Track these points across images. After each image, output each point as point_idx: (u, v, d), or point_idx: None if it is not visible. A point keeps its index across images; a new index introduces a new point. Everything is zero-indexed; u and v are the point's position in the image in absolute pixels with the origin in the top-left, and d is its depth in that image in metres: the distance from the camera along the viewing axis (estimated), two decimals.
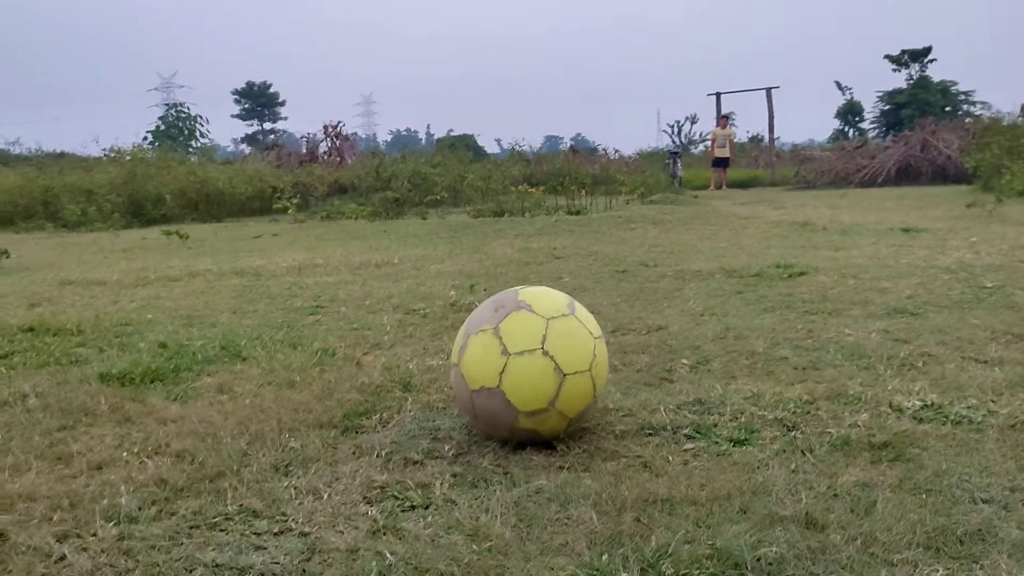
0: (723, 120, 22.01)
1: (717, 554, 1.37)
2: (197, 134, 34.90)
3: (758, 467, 1.79)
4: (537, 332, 1.97)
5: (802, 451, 1.89)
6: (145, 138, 29.47)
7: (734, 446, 1.95)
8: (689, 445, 1.97)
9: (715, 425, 2.09)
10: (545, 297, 2.12)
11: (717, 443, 1.97)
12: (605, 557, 1.39)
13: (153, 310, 4.43)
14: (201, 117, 34.79)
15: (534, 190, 12.34)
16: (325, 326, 3.79)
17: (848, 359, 2.74)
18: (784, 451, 1.90)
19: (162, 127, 33.97)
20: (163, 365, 3.00)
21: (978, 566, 1.31)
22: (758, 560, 1.35)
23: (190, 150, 28.92)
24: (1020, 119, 15.22)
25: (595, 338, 2.10)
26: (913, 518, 1.48)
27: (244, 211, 15.35)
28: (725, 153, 20.42)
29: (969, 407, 2.14)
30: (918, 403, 2.18)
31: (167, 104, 37.01)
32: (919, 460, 1.79)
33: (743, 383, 2.47)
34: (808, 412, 2.16)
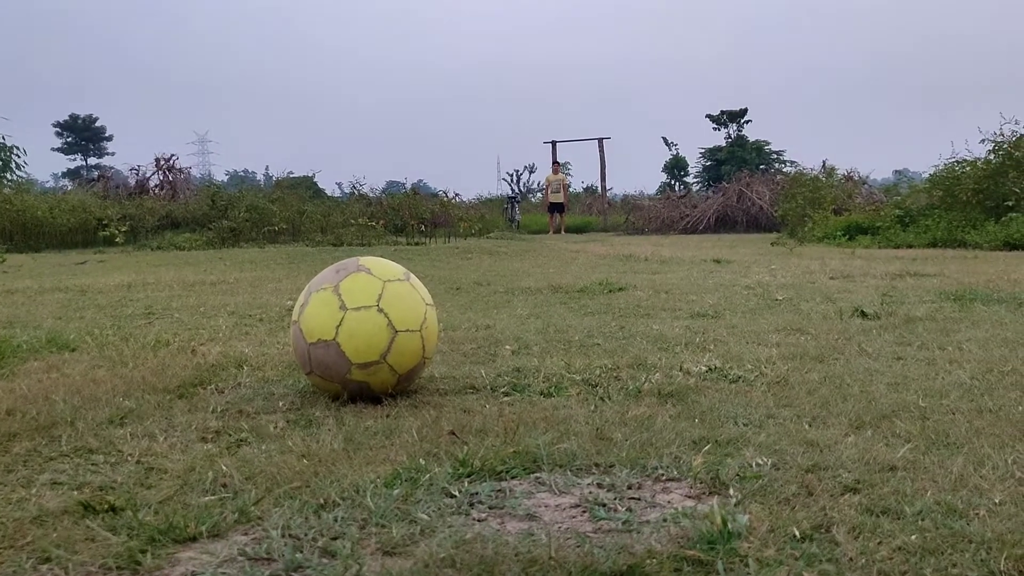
0: (556, 166, 22.91)
1: (519, 453, 1.59)
2: (13, 166, 32.69)
3: (562, 408, 2.03)
4: (374, 291, 2.16)
5: (601, 398, 2.15)
6: None
7: (544, 397, 2.19)
8: (505, 399, 2.19)
9: (529, 385, 2.32)
10: (383, 264, 2.32)
11: (529, 396, 2.20)
12: (422, 460, 1.58)
13: None
14: (18, 148, 32.64)
15: (375, 225, 12.47)
16: (159, 326, 3.80)
17: (652, 343, 3.05)
18: (587, 399, 2.15)
19: None
20: None
21: (729, 457, 1.58)
22: (553, 456, 1.58)
23: (6, 183, 27.02)
24: (821, 173, 16.69)
25: (426, 304, 2.30)
26: (684, 432, 1.75)
27: (65, 243, 14.63)
28: (559, 198, 21.20)
29: (745, 371, 2.47)
30: (704, 368, 2.50)
31: None
32: (698, 402, 2.08)
33: (558, 359, 2.73)
34: (611, 375, 2.44)
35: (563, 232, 20.32)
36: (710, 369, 2.49)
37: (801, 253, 9.06)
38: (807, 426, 1.83)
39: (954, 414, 1.92)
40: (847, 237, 11.68)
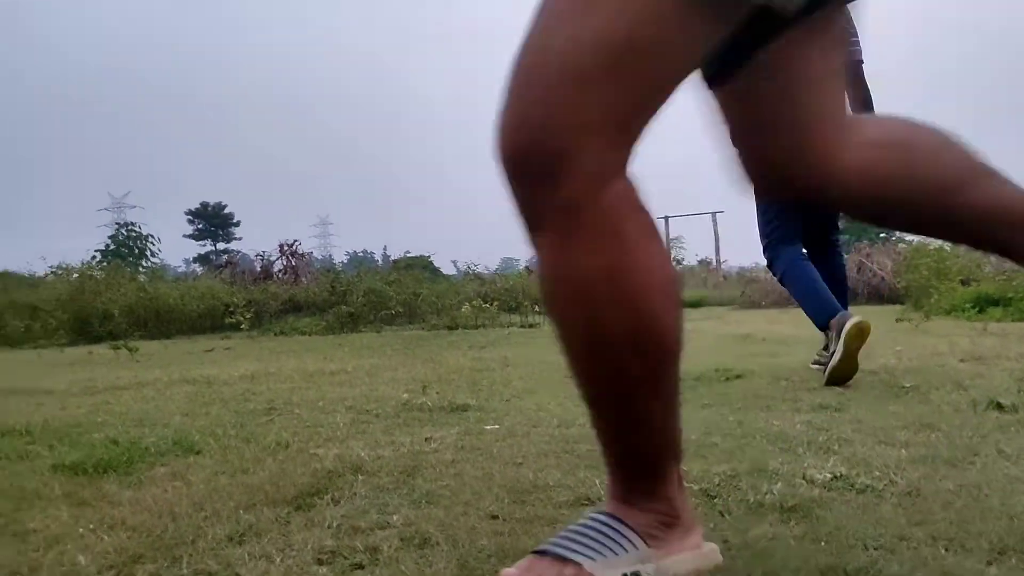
0: None
1: None
2: (148, 253, 34.71)
3: None
4: None
5: (720, 513, 2.07)
6: (94, 257, 29.28)
7: None
8: None
9: None
10: None
11: None
12: None
13: (103, 414, 4.48)
14: (152, 236, 34.71)
15: (489, 306, 12.61)
16: (279, 424, 3.90)
17: (772, 443, 2.94)
18: (705, 514, 2.07)
19: (112, 246, 33.81)
20: (116, 457, 3.08)
21: None
22: None
23: (141, 269, 28.68)
24: (946, 244, 16.01)
25: None
26: (810, 559, 1.66)
27: (195, 328, 15.32)
28: None
29: (873, 478, 2.34)
30: (828, 475, 2.38)
31: (118, 223, 36.86)
32: (823, 518, 1.98)
33: None
34: (731, 484, 2.35)
35: None
36: (835, 477, 2.37)
37: (927, 329, 8.67)
38: (943, 551, 1.71)
39: None
40: (976, 309, 11.13)
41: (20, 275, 20.13)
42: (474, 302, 12.90)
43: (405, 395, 4.78)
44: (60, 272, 17.59)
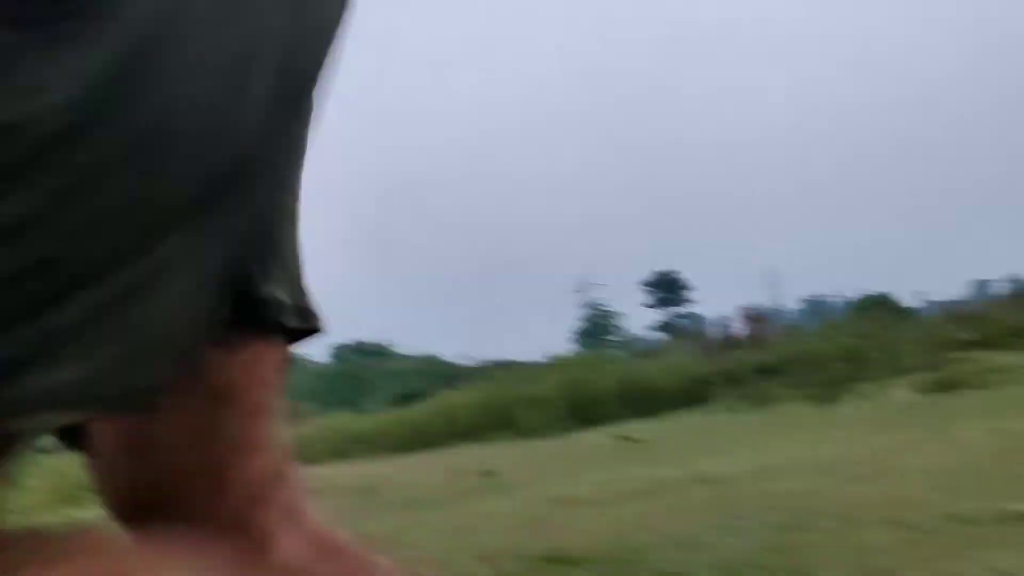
0: None
1: None
2: (615, 330, 36.81)
3: None
4: None
5: None
6: (572, 340, 31.80)
7: None
8: None
9: None
10: None
11: None
12: None
13: (639, 530, 4.73)
14: (617, 313, 36.84)
15: (990, 351, 11.24)
16: (815, 547, 3.78)
17: None
18: None
19: (586, 327, 36.35)
20: None
21: None
22: None
23: (610, 346, 30.56)
24: None
25: None
26: None
27: (673, 403, 15.77)
28: None
29: None
30: None
31: (586, 304, 39.29)
32: None
33: None
34: None
35: None
36: None
37: None
38: None
39: None
40: None
41: (521, 363, 22.05)
42: (971, 350, 11.58)
43: (936, 495, 4.41)
44: (551, 361, 19.35)
